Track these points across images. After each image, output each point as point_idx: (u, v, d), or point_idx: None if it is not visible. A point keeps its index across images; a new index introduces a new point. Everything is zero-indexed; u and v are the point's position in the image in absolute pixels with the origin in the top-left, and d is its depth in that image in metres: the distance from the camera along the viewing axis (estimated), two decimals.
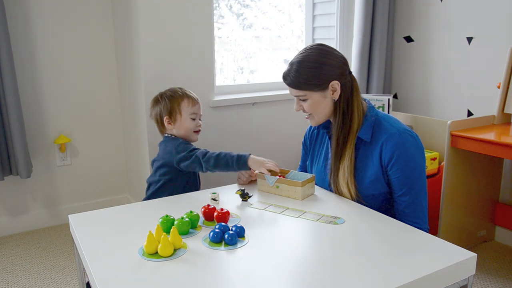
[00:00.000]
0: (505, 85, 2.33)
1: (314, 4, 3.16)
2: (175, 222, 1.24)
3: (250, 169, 1.62)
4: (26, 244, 2.57)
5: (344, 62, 1.50)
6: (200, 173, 1.93)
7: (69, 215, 1.40)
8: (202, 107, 2.57)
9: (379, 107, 2.65)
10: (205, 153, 1.70)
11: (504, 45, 2.41)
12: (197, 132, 1.89)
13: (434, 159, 2.44)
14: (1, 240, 2.62)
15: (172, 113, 1.84)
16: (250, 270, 1.06)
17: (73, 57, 2.71)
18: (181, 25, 2.42)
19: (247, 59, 3.16)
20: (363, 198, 1.48)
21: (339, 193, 1.54)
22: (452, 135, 2.21)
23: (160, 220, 1.26)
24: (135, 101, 2.59)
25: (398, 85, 3.09)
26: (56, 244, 2.57)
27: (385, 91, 3.04)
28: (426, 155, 2.41)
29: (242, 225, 1.24)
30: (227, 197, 1.55)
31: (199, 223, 1.32)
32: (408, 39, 2.97)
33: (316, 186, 1.61)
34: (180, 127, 1.84)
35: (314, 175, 1.56)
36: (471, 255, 1.10)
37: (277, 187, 1.54)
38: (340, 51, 1.54)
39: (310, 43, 1.54)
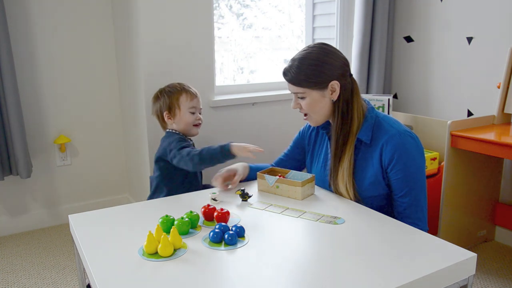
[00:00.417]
0: (505, 85, 2.33)
1: (314, 4, 3.16)
2: (175, 222, 1.24)
3: (235, 156, 1.63)
4: (26, 244, 2.57)
5: (345, 64, 1.50)
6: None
7: (69, 215, 1.40)
8: (202, 107, 2.59)
9: (379, 107, 2.65)
10: (189, 152, 1.72)
11: (504, 45, 2.41)
12: (197, 125, 1.93)
13: (434, 159, 2.44)
14: (1, 240, 2.62)
15: (171, 108, 1.88)
16: (250, 270, 1.06)
17: (73, 57, 2.71)
18: (181, 25, 2.42)
19: (247, 59, 3.16)
20: (363, 199, 1.48)
21: (338, 193, 1.54)
22: (452, 135, 2.21)
23: (160, 220, 1.26)
24: (135, 101, 2.59)
25: (398, 85, 3.09)
26: (56, 244, 2.57)
27: (385, 91, 3.04)
28: (426, 155, 2.41)
29: (242, 225, 1.24)
30: (227, 197, 1.55)
31: (199, 223, 1.32)
32: (408, 39, 2.97)
33: (316, 186, 1.61)
34: (179, 121, 1.88)
35: (314, 175, 1.56)
36: (471, 255, 1.10)
37: (277, 187, 1.54)
38: (340, 51, 1.54)
39: (310, 43, 1.54)
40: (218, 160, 1.67)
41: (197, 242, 1.20)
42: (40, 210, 2.77)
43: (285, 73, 1.50)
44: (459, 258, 1.08)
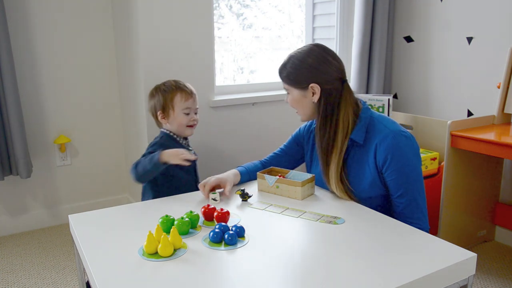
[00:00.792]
0: (505, 85, 2.33)
1: (314, 4, 3.16)
2: (175, 222, 1.24)
3: (165, 163, 1.61)
4: (26, 244, 2.57)
5: (336, 69, 1.49)
6: (198, 170, 1.94)
7: (69, 215, 1.40)
8: (202, 107, 2.59)
9: (379, 107, 2.65)
10: (135, 164, 1.69)
11: (504, 45, 2.41)
12: (191, 126, 1.85)
13: (434, 159, 2.44)
14: (1, 240, 2.62)
15: (165, 108, 1.82)
16: (250, 270, 1.06)
17: (73, 57, 2.71)
18: (181, 25, 2.42)
19: (247, 59, 3.16)
20: (361, 201, 1.48)
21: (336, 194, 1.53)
22: (452, 135, 2.21)
23: (160, 220, 1.26)
24: (135, 101, 2.59)
25: (398, 85, 3.09)
26: (56, 244, 2.57)
27: (385, 91, 3.04)
28: (426, 155, 2.41)
29: (242, 225, 1.24)
30: (227, 197, 1.55)
31: (199, 223, 1.32)
32: (408, 39, 2.97)
33: (316, 186, 1.61)
34: (173, 122, 1.82)
35: (314, 175, 1.56)
36: (471, 255, 1.10)
37: (277, 187, 1.54)
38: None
39: (309, 43, 1.55)
40: (151, 171, 1.66)
41: (197, 242, 1.20)
42: (40, 210, 2.78)
43: (279, 67, 1.57)
44: (459, 258, 1.08)
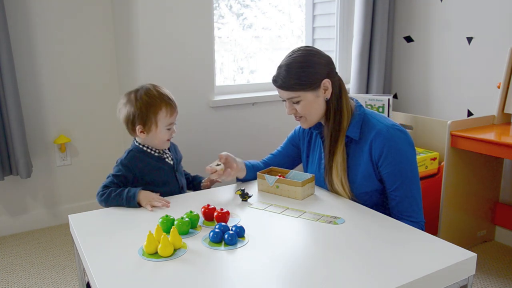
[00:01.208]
0: (505, 85, 2.33)
1: (314, 4, 3.16)
2: (175, 222, 1.24)
3: (140, 206, 1.48)
4: (26, 244, 2.57)
5: (330, 61, 1.52)
6: (198, 170, 1.91)
7: (69, 215, 1.40)
8: (202, 107, 2.59)
9: (379, 107, 2.65)
10: (97, 193, 1.55)
11: (504, 45, 2.41)
12: (169, 140, 1.66)
13: (434, 159, 2.44)
14: (1, 240, 2.62)
15: (147, 123, 1.59)
16: (250, 270, 1.06)
17: (73, 57, 2.71)
18: (181, 25, 2.42)
19: (247, 59, 3.16)
20: (356, 196, 1.50)
21: (334, 191, 1.54)
22: (452, 135, 2.21)
23: (160, 220, 1.26)
24: None
25: (398, 85, 3.09)
26: (56, 244, 2.57)
27: (385, 91, 3.04)
28: (426, 155, 2.41)
29: (242, 225, 1.24)
30: (227, 197, 1.55)
31: (199, 223, 1.32)
32: (408, 39, 2.97)
33: (316, 186, 1.61)
34: (153, 137, 1.61)
35: (314, 175, 1.56)
36: (471, 255, 1.10)
37: (277, 187, 1.54)
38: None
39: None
40: (122, 205, 1.51)
41: (197, 242, 1.20)
42: (40, 210, 2.77)
43: (275, 80, 1.51)
44: (459, 258, 1.08)
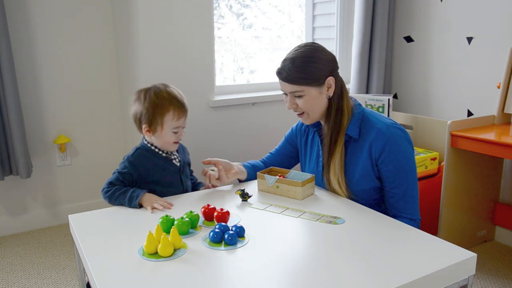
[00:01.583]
0: (505, 85, 2.33)
1: (314, 4, 3.16)
2: (175, 222, 1.24)
3: (141, 206, 1.48)
4: (26, 244, 2.57)
5: (335, 60, 1.53)
6: (198, 171, 1.90)
7: (69, 215, 1.40)
8: (202, 107, 2.59)
9: (379, 107, 2.65)
10: (102, 189, 1.56)
11: (504, 45, 2.41)
12: (176, 143, 1.64)
13: (434, 159, 2.44)
14: (1, 240, 2.62)
15: (152, 124, 1.57)
16: (250, 270, 1.06)
17: (73, 57, 2.71)
18: (181, 25, 2.42)
19: (247, 59, 3.16)
20: (354, 193, 1.51)
21: (331, 190, 1.55)
22: (452, 135, 2.21)
23: (160, 220, 1.26)
24: None
25: (398, 85, 3.09)
26: (56, 244, 2.57)
27: (385, 91, 3.04)
28: (426, 155, 2.41)
29: (242, 225, 1.24)
30: (227, 197, 1.55)
31: (199, 223, 1.32)
32: (408, 39, 2.97)
33: (316, 186, 1.61)
34: (158, 138, 1.60)
35: (314, 175, 1.56)
36: (471, 255, 1.10)
37: (277, 187, 1.54)
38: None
39: (297, 45, 1.56)
40: (124, 205, 1.50)
41: (197, 242, 1.20)
42: (40, 210, 2.77)
43: (280, 72, 1.50)
44: (459, 258, 1.08)
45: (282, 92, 1.55)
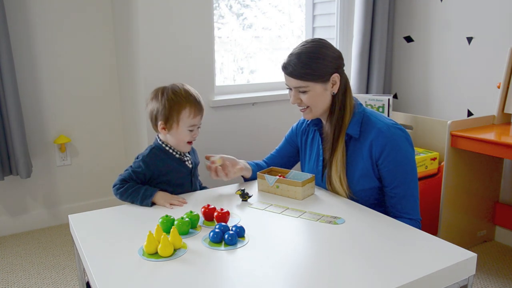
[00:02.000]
0: (505, 85, 2.33)
1: (314, 4, 3.16)
2: (175, 222, 1.24)
3: (153, 204, 1.50)
4: (26, 244, 2.57)
5: (341, 57, 1.53)
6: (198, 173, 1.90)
7: (69, 215, 1.40)
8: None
9: (379, 107, 2.65)
10: (114, 185, 1.58)
11: (504, 45, 2.41)
12: (190, 143, 1.65)
13: (434, 159, 2.44)
14: (1, 240, 2.62)
15: (168, 120, 1.58)
16: (250, 270, 1.06)
17: (73, 57, 2.71)
18: (181, 25, 2.42)
19: (247, 59, 3.16)
20: (354, 193, 1.51)
21: (331, 189, 1.55)
22: (452, 135, 2.21)
23: (160, 220, 1.26)
24: (135, 101, 2.59)
25: (398, 85, 3.09)
26: (56, 244, 2.57)
27: (385, 91, 3.04)
28: (426, 155, 2.41)
29: (242, 225, 1.24)
30: (227, 197, 1.55)
31: (199, 223, 1.32)
32: (408, 39, 2.96)
33: (316, 186, 1.61)
34: (173, 136, 1.61)
35: (314, 175, 1.56)
36: (471, 255, 1.10)
37: (277, 187, 1.54)
38: (340, 51, 1.55)
39: (304, 40, 1.56)
40: (135, 203, 1.52)
41: (197, 242, 1.20)
42: (40, 210, 2.77)
43: (286, 67, 1.50)
44: (459, 258, 1.08)
45: (287, 87, 1.55)
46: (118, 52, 2.78)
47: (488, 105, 2.53)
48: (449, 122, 2.20)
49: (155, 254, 1.12)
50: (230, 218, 1.32)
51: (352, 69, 2.95)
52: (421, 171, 2.36)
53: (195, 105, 1.60)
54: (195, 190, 1.70)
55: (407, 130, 1.54)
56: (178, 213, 1.36)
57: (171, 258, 1.11)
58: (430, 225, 2.35)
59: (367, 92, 2.99)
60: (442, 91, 2.80)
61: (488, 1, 2.48)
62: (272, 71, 3.17)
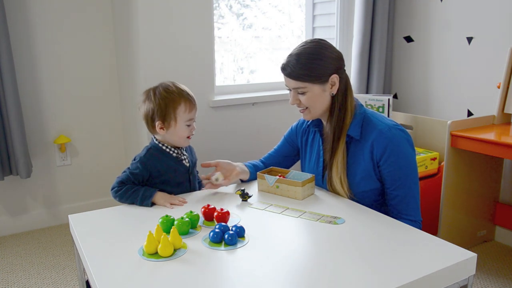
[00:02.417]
0: (505, 85, 2.33)
1: (314, 4, 3.16)
2: (175, 222, 1.24)
3: (153, 204, 1.50)
4: (26, 244, 2.57)
5: (341, 57, 1.52)
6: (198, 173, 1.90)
7: (69, 215, 1.40)
8: (202, 107, 2.59)
9: (379, 107, 2.65)
10: (112, 188, 1.58)
11: (504, 45, 2.41)
12: (189, 137, 1.65)
13: (434, 159, 2.44)
14: (1, 240, 2.62)
15: (166, 119, 1.57)
16: (250, 270, 1.06)
17: (73, 57, 2.71)
18: (181, 25, 2.42)
19: (247, 59, 3.16)
20: (355, 194, 1.50)
21: (332, 189, 1.55)
22: (452, 135, 2.21)
23: (160, 220, 1.26)
24: (135, 101, 2.59)
25: (398, 85, 3.09)
26: (56, 244, 2.57)
27: (385, 91, 3.04)
28: (426, 155, 2.41)
29: (242, 225, 1.24)
30: (227, 197, 1.55)
31: (199, 223, 1.32)
32: (408, 39, 2.97)
33: (316, 186, 1.61)
34: (173, 134, 1.60)
35: (314, 175, 1.56)
36: (471, 255, 1.10)
37: (277, 187, 1.54)
38: (340, 51, 1.55)
39: (304, 41, 1.55)
40: (135, 204, 1.53)
41: (197, 242, 1.20)
42: (40, 210, 2.77)
43: (284, 68, 1.50)
44: (459, 258, 1.08)
45: (286, 87, 1.55)
46: (118, 52, 2.78)
47: (488, 105, 2.53)
48: (449, 122, 2.20)
49: (155, 254, 1.12)
50: (230, 218, 1.32)
51: (352, 69, 2.95)
52: (421, 171, 2.36)
53: (189, 99, 1.60)
54: (194, 189, 1.69)
55: (407, 130, 1.54)
56: (178, 213, 1.36)
57: (171, 258, 1.11)
58: (430, 225, 2.35)
59: (367, 92, 2.99)
60: (442, 91, 2.80)
61: (488, 1, 2.48)
62: (272, 71, 3.17)
